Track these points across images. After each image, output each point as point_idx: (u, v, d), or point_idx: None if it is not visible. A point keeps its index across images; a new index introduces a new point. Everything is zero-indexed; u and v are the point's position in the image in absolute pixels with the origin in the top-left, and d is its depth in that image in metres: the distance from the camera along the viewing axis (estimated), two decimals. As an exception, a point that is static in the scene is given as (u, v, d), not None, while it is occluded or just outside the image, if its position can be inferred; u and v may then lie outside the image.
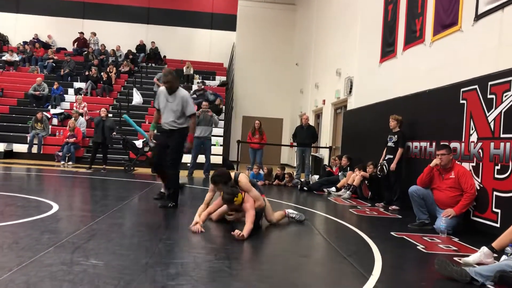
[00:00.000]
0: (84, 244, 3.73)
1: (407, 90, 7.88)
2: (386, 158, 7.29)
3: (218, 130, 14.88)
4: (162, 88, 6.14)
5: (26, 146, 13.52)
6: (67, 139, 12.73)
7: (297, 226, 5.67)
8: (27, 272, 2.88)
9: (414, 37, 8.21)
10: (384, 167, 7.21)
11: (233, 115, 19.18)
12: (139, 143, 12.10)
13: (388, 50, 9.33)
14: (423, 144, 6.86)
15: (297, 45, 19.76)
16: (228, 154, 17.26)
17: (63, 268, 3.01)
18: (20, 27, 20.07)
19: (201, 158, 11.50)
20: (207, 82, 18.51)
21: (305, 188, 9.26)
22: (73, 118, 13.51)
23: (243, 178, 4.98)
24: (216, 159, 13.57)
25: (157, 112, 6.25)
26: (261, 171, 10.14)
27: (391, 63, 9.19)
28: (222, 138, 15.29)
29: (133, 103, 16.56)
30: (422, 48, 7.88)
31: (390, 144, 7.27)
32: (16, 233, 3.98)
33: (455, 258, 3.93)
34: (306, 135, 11.21)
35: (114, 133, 12.23)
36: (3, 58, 18.19)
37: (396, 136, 7.17)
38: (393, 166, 7.05)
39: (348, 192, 8.40)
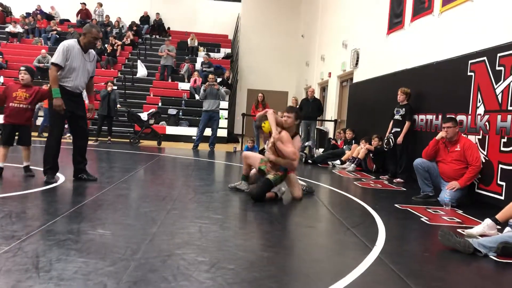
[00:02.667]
0: (91, 214, 3.78)
1: (414, 62, 7.78)
2: (392, 131, 7.27)
3: (223, 103, 14.84)
4: (74, 43, 5.16)
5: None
6: (72, 112, 12.71)
7: (303, 198, 5.71)
8: (35, 241, 2.92)
9: (422, 8, 8.04)
10: (390, 140, 7.19)
11: (237, 88, 19.08)
12: (144, 116, 12.10)
13: (395, 21, 9.16)
14: (429, 117, 6.81)
15: (303, 17, 19.45)
16: (233, 127, 17.26)
17: (71, 237, 3.06)
18: (23, -1, 19.87)
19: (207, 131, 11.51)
20: (211, 54, 18.36)
21: (309, 161, 9.27)
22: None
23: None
24: (221, 132, 13.58)
25: (61, 71, 5.06)
26: (256, 145, 10.12)
27: (398, 34, 9.04)
28: (227, 111, 15.27)
29: (138, 75, 16.49)
30: (431, 19, 7.73)
31: (397, 117, 7.23)
32: (24, 203, 4.03)
33: (459, 230, 3.96)
34: (312, 108, 11.16)
35: (119, 105, 12.24)
36: (7, 29, 18.07)
37: (404, 109, 7.13)
38: (400, 139, 7.03)
39: (352, 165, 8.41)
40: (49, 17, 19.38)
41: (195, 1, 20.58)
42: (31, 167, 5.60)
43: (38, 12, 19.41)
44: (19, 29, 18.14)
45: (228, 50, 19.38)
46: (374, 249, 3.22)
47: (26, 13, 19.43)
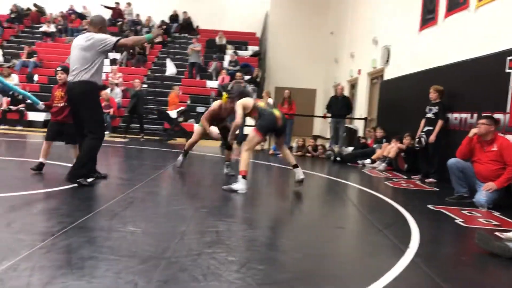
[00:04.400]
0: (122, 211, 3.81)
1: (448, 59, 7.56)
2: (424, 130, 7.09)
3: (251, 101, 14.81)
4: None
5: (64, 115, 13.84)
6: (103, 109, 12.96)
7: (331, 197, 5.64)
8: (68, 237, 2.96)
9: (457, 3, 7.81)
10: (422, 139, 7.02)
11: (265, 85, 19.02)
12: (173, 114, 12.21)
13: (428, 17, 8.93)
14: (464, 115, 6.61)
15: (332, 13, 19.23)
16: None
17: (102, 234, 3.09)
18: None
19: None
20: (239, 52, 18.37)
21: (337, 159, 9.15)
22: (108, 89, 13.73)
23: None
24: (249, 130, 13.55)
25: (99, 63, 4.85)
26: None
27: (431, 31, 8.81)
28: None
29: (167, 73, 16.64)
30: (466, 14, 7.49)
31: (429, 115, 7.05)
32: (58, 200, 4.11)
33: (497, 233, 3.81)
34: (341, 106, 11.01)
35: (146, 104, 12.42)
36: (41, 29, 18.53)
37: (436, 107, 6.94)
38: (432, 138, 6.85)
39: (383, 164, 8.26)
40: (81, 16, 19.78)
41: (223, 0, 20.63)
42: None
43: (71, 11, 19.83)
44: (52, 28, 18.58)
45: (256, 48, 19.33)
46: (408, 252, 3.13)
47: (60, 12, 19.89)
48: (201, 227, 3.52)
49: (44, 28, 18.48)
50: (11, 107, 13.13)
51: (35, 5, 19.91)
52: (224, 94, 6.22)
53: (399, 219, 4.27)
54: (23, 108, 13.24)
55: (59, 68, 5.45)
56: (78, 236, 3.00)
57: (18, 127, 12.75)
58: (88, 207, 3.87)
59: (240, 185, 5.01)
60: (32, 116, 13.62)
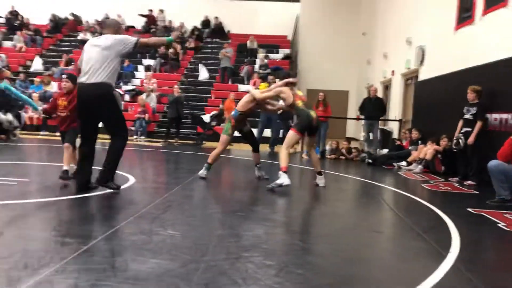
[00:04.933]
0: (161, 214, 3.89)
1: (485, 58, 7.35)
2: (462, 131, 6.92)
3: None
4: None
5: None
6: (138, 115, 13.26)
7: (366, 200, 5.58)
8: (111, 241, 3.05)
9: (495, 0, 7.59)
10: (460, 140, 6.86)
11: (296, 88, 18.98)
12: (206, 118, 12.36)
13: (465, 15, 8.71)
14: (504, 116, 6.41)
15: (363, 14, 19.01)
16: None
17: (143, 238, 3.16)
18: (92, 7, 20.89)
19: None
20: (270, 55, 18.41)
21: (370, 161, 9.04)
22: (143, 94, 14.03)
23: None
24: (280, 134, 13.55)
25: (117, 66, 4.68)
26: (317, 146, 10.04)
27: (468, 29, 8.58)
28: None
29: (200, 78, 16.86)
30: (505, 12, 7.27)
31: (467, 116, 6.88)
32: (98, 204, 4.24)
33: (542, 238, 3.69)
34: (374, 108, 10.86)
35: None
36: (78, 37, 19.12)
37: (475, 108, 6.77)
38: (471, 139, 6.68)
39: (419, 166, 8.10)
40: (116, 24, 20.30)
41: (254, 4, 20.72)
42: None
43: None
44: (89, 36, 19.14)
45: (287, 51, 19.33)
46: (449, 257, 3.07)
47: (95, 20, 20.47)
48: (238, 230, 3.56)
49: (81, 36, 19.06)
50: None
51: (72, 14, 20.54)
52: (262, 84, 6.31)
53: (438, 222, 4.18)
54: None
55: (64, 76, 5.32)
56: (120, 239, 3.09)
57: (58, 133, 13.17)
58: (128, 210, 3.97)
59: (282, 179, 5.28)
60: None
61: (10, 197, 4.38)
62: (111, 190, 4.61)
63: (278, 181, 5.29)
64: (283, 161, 5.44)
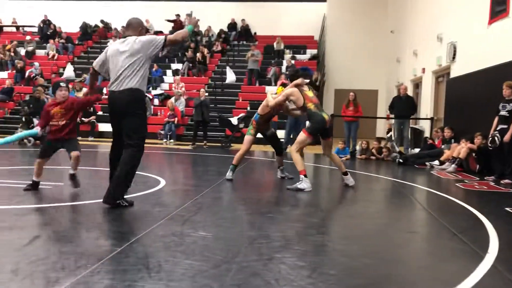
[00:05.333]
0: (192, 216, 3.92)
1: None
2: (498, 129, 6.72)
3: (311, 105, 14.72)
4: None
5: (132, 126, 14.43)
6: (167, 118, 13.44)
7: (399, 200, 5.49)
8: (144, 242, 3.09)
9: (530, -8, 7.35)
10: (496, 138, 6.65)
11: (324, 88, 18.84)
12: (234, 120, 12.42)
13: (498, 9, 8.45)
14: (542, 111, 6.19)
15: (391, 11, 18.73)
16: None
17: (175, 240, 3.19)
18: (121, 14, 21.31)
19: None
20: (297, 56, 18.34)
21: (401, 160, 8.87)
22: (172, 98, 14.21)
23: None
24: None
25: (146, 69, 4.45)
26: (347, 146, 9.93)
27: (502, 24, 8.33)
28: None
29: (227, 81, 16.94)
30: (540, 4, 7.04)
31: (503, 113, 6.67)
32: (130, 206, 4.29)
33: None
34: (404, 106, 10.65)
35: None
36: (108, 44, 19.53)
37: (511, 104, 6.56)
38: (507, 137, 6.47)
39: (453, 165, 7.90)
40: (145, 30, 20.63)
41: (280, 5, 20.71)
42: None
43: (135, 26, 20.76)
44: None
45: (314, 51, 19.22)
46: (487, 257, 2.97)
47: (122, 27, 20.89)
48: (269, 231, 3.55)
49: (110, 43, 19.47)
50: (83, 119, 13.92)
51: (102, 21, 21.00)
52: (279, 88, 6.32)
53: (475, 222, 4.07)
54: (94, 120, 13.99)
55: (63, 85, 4.94)
56: (152, 241, 3.12)
57: (90, 138, 13.49)
58: (159, 213, 4.01)
59: (304, 184, 5.34)
60: (102, 127, 14.37)
61: (46, 200, 4.50)
62: (140, 193, 4.67)
63: (300, 186, 5.35)
64: (299, 164, 5.46)
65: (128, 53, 4.20)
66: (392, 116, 11.16)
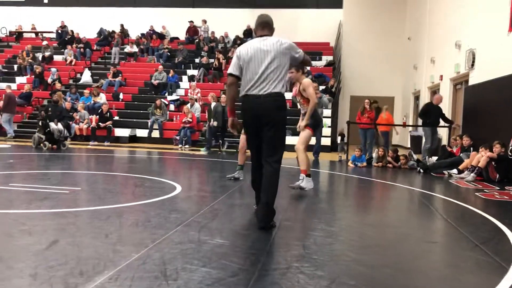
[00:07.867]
0: (209, 223, 3.90)
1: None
2: (519, 137, 6.59)
3: (326, 112, 14.66)
4: None
5: (147, 131, 14.56)
6: (183, 124, 13.49)
7: (417, 209, 5.41)
8: (161, 249, 3.08)
9: (551, -1, 7.23)
10: (517, 146, 6.53)
11: (340, 95, 18.75)
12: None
13: (518, 16, 8.35)
14: None
15: (408, 18, 18.61)
16: (336, 136, 16.95)
17: (192, 246, 3.17)
18: (138, 20, 21.54)
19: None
20: (313, 62, 18.29)
21: (421, 170, 8.75)
22: (188, 104, 14.27)
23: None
24: (325, 141, 13.40)
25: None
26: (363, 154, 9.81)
27: (522, 30, 8.22)
28: (330, 119, 15.05)
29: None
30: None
31: (523, 121, 6.54)
32: (147, 212, 4.30)
33: None
34: (437, 114, 10.21)
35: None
36: (125, 50, 19.73)
37: (531, 112, 6.44)
38: (527, 145, 6.35)
39: (472, 174, 7.76)
40: (161, 36, 20.81)
41: (296, 11, 20.70)
42: None
43: (151, 32, 20.94)
44: (135, 49, 19.73)
45: (330, 58, 19.15)
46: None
47: (141, 33, 21.08)
48: (287, 240, 3.51)
49: (127, 49, 19.67)
50: (100, 123, 14.05)
51: (121, 25, 21.20)
52: None
53: (497, 233, 3.98)
54: (110, 125, 14.11)
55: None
56: (170, 248, 3.11)
57: (106, 143, 13.60)
58: (176, 219, 4.00)
59: (306, 183, 5.44)
60: (118, 132, 14.49)
61: (63, 205, 4.53)
62: (158, 199, 4.66)
63: (302, 184, 5.41)
64: (303, 163, 5.45)
65: (272, 53, 3.84)
66: (408, 123, 11.00)
